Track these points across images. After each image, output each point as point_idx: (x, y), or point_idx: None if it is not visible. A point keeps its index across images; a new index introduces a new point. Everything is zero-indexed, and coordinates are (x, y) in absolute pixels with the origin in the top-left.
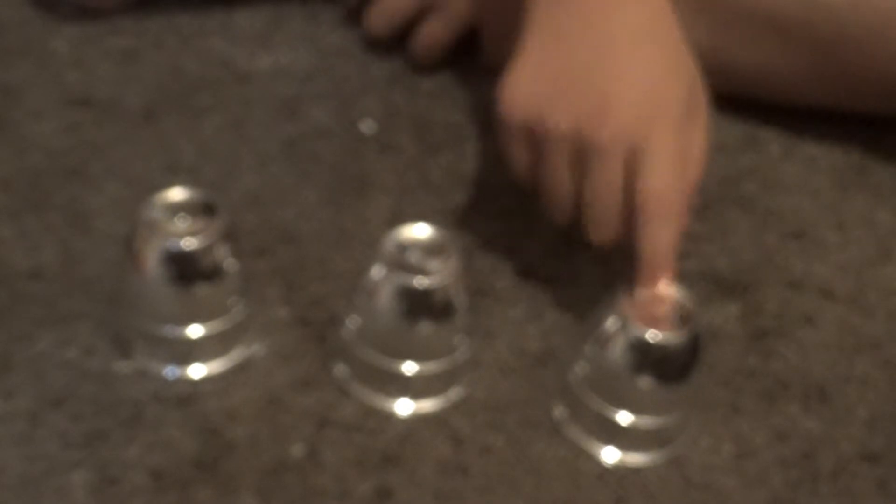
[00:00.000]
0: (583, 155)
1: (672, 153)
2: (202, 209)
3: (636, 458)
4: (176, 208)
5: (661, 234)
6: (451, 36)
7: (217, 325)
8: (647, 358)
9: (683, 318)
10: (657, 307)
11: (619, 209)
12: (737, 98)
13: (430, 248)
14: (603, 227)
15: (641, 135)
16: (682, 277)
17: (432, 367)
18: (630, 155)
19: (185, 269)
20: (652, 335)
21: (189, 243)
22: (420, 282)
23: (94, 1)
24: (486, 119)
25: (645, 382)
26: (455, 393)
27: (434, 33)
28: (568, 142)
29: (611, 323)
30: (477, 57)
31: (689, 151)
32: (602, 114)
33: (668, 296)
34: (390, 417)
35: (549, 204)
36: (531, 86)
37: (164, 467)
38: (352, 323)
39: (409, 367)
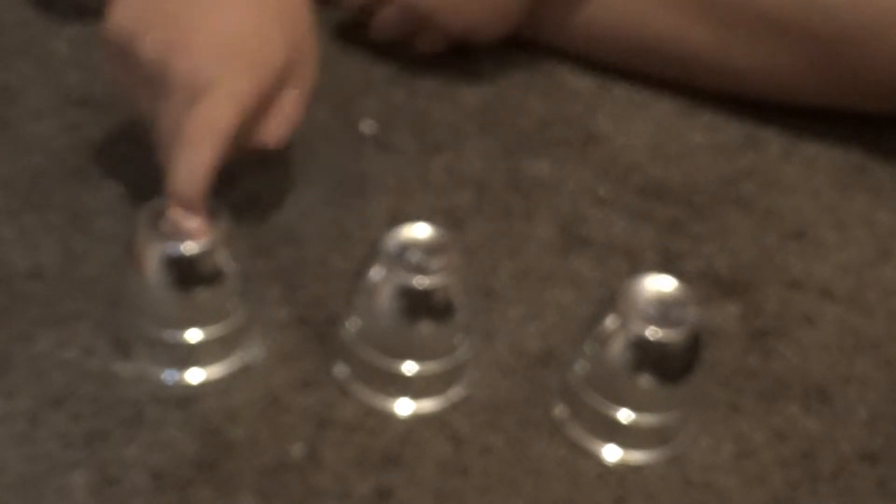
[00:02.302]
0: (162, 84)
1: (239, 85)
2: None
3: (637, 457)
4: None
5: (194, 155)
6: (441, 48)
7: (217, 329)
8: (646, 356)
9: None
10: (186, 224)
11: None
12: (737, 98)
13: (430, 248)
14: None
15: (215, 74)
16: (682, 277)
17: (432, 367)
18: (201, 95)
19: (185, 273)
20: (652, 333)
21: (189, 248)
22: (420, 282)
23: (94, 1)
24: (487, 119)
25: (645, 380)
26: (455, 393)
27: (424, 48)
28: (152, 68)
29: (610, 321)
30: (476, 56)
31: (271, 110)
32: (184, 48)
33: (194, 221)
34: (390, 417)
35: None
36: (130, 7)
37: (164, 467)
38: (352, 323)
39: (409, 367)
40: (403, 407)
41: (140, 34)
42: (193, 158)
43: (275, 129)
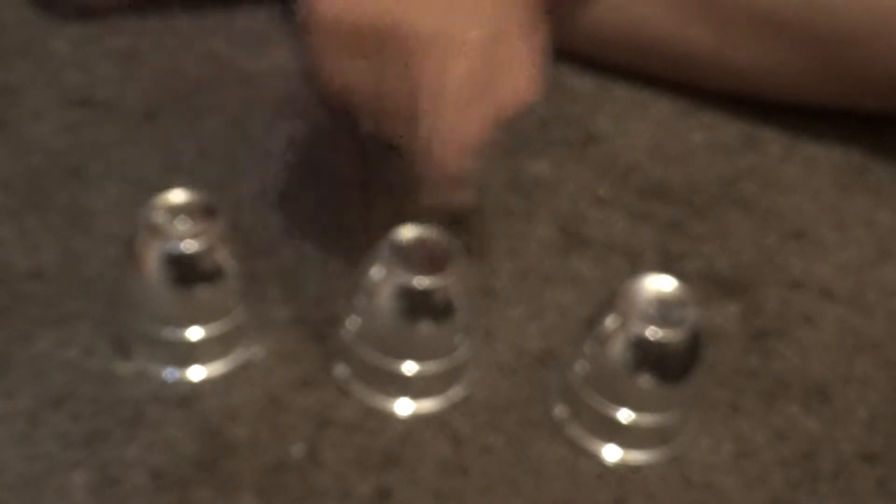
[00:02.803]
0: (391, 52)
1: (477, 57)
2: (203, 211)
3: (637, 457)
4: (176, 210)
5: (446, 122)
6: None
7: (217, 327)
8: (646, 356)
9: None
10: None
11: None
12: (737, 98)
13: (429, 249)
14: (406, 132)
15: (447, 28)
16: (682, 277)
17: (432, 367)
18: (431, 51)
19: (185, 271)
20: (652, 332)
21: (189, 246)
22: (420, 282)
23: (95, 1)
24: None
25: (645, 380)
26: (455, 393)
27: None
28: (377, 39)
29: (611, 321)
30: None
31: (500, 74)
32: (406, 9)
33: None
34: (390, 417)
35: (357, 108)
36: None
37: (164, 467)
38: (352, 323)
39: (409, 367)
40: (403, 407)
41: (356, 10)
42: (448, 120)
43: (520, 87)
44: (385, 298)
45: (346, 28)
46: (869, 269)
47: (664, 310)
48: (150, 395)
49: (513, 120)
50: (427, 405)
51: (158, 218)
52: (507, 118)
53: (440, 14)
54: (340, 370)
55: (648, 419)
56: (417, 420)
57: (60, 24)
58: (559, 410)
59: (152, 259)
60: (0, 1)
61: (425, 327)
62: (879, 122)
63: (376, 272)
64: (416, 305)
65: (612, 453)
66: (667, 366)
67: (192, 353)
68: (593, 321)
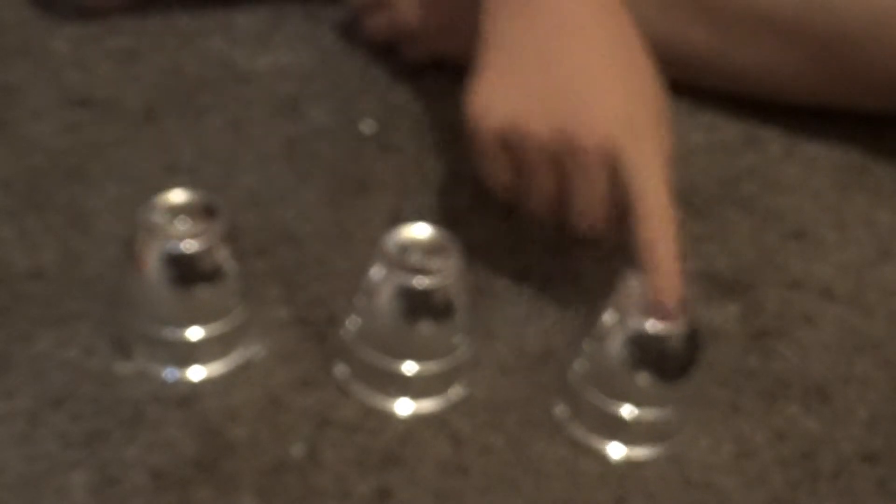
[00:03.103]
0: (565, 162)
1: (653, 159)
2: (202, 211)
3: (637, 453)
4: (176, 210)
5: (664, 244)
6: (426, 60)
7: (217, 327)
8: (645, 352)
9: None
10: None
11: (606, 209)
12: (737, 98)
13: (430, 248)
14: (591, 222)
15: (624, 139)
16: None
17: (432, 367)
18: (613, 160)
19: (185, 271)
20: (651, 326)
21: (189, 246)
22: (420, 282)
23: (94, 1)
24: None
25: (644, 376)
26: (455, 393)
27: (409, 58)
28: (549, 150)
29: (608, 317)
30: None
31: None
32: (583, 119)
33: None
34: (390, 417)
35: (534, 213)
36: (505, 97)
37: (164, 467)
38: (352, 323)
39: (409, 367)
40: (403, 407)
41: (526, 119)
42: (664, 246)
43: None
44: (385, 298)
45: (517, 137)
46: (869, 269)
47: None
48: (150, 395)
49: None
50: (427, 405)
51: (158, 218)
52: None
53: (619, 126)
54: (340, 370)
55: (648, 415)
56: (417, 420)
57: (60, 24)
58: (559, 410)
59: (152, 259)
60: (0, 1)
61: (425, 327)
62: (879, 122)
63: (376, 272)
64: (416, 305)
65: (612, 450)
66: (666, 360)
67: (192, 353)
68: (591, 318)
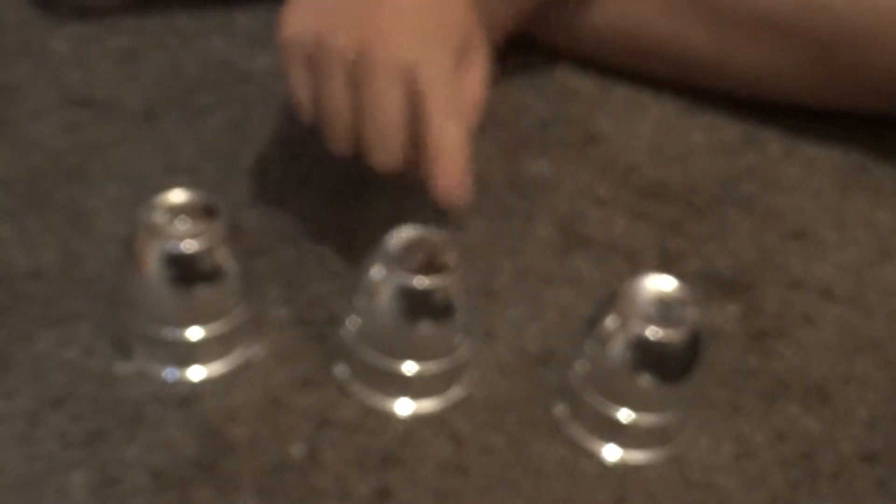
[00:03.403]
0: (362, 75)
1: (449, 79)
2: (203, 211)
3: (637, 456)
4: (176, 210)
5: (449, 129)
6: None
7: (217, 327)
8: (647, 356)
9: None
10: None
11: (400, 132)
12: (737, 98)
13: (429, 248)
14: (384, 150)
15: (420, 56)
16: (682, 277)
17: (432, 367)
18: (409, 77)
19: (185, 271)
20: (652, 332)
21: (189, 246)
22: (420, 282)
23: (94, 1)
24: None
25: (645, 380)
26: (455, 393)
27: None
28: (348, 60)
29: (611, 321)
30: None
31: (464, 91)
32: (381, 33)
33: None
34: (390, 417)
35: (331, 130)
36: (312, 14)
37: (164, 467)
38: (352, 323)
39: (409, 367)
40: (403, 407)
41: (330, 31)
42: (450, 131)
43: (470, 101)
44: (385, 298)
45: (319, 48)
46: (869, 269)
47: (664, 310)
48: (150, 395)
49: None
50: (427, 405)
51: (158, 218)
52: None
53: (414, 41)
54: (340, 370)
55: (648, 419)
56: (417, 420)
57: (60, 24)
58: (559, 410)
59: (152, 259)
60: (0, 1)
61: (425, 327)
62: (879, 122)
63: (376, 272)
64: (416, 305)
65: (612, 453)
66: (667, 366)
67: (192, 353)
68: (593, 321)
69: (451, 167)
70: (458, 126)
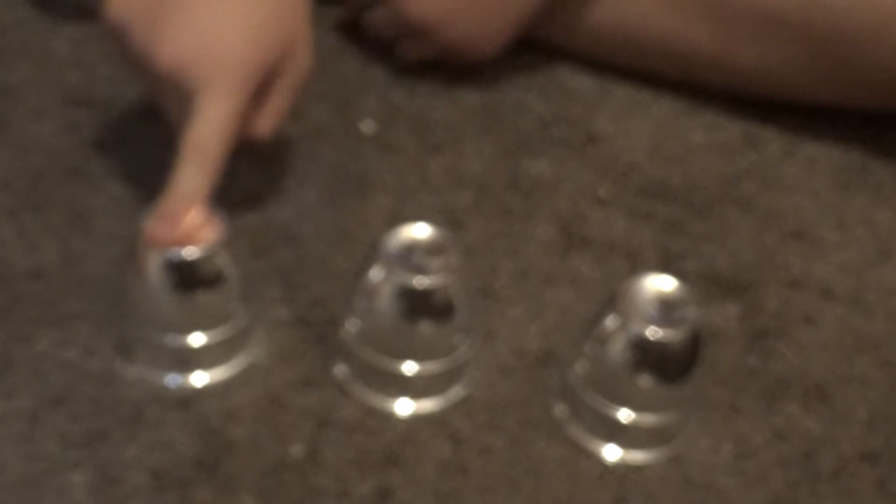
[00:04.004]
0: (151, 76)
1: (227, 102)
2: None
3: (637, 456)
4: None
5: (189, 177)
6: (426, 57)
7: (219, 332)
8: (647, 356)
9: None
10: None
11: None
12: (737, 97)
13: (430, 248)
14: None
15: (197, 74)
16: (682, 277)
17: (432, 367)
18: (184, 84)
19: (186, 277)
20: (652, 332)
21: (190, 252)
22: (420, 282)
23: (95, 1)
24: (487, 119)
25: (645, 380)
26: (455, 393)
27: (410, 54)
28: (140, 61)
29: (611, 321)
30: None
31: (261, 105)
32: (166, 44)
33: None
34: (390, 417)
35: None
36: (125, 2)
37: (164, 467)
38: (352, 323)
39: (409, 367)
40: (403, 407)
41: (129, 26)
42: (188, 179)
43: (264, 123)
44: (385, 298)
45: (121, 40)
46: (869, 269)
47: (664, 310)
48: (150, 395)
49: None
50: (427, 405)
51: None
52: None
53: (203, 59)
54: (340, 370)
55: (648, 419)
56: (417, 420)
57: (60, 24)
58: (559, 410)
59: (153, 265)
60: (0, 1)
61: (425, 327)
62: (879, 122)
63: (376, 272)
64: (416, 305)
65: (612, 453)
66: (667, 366)
67: (195, 359)
68: (593, 321)
69: (172, 213)
70: (201, 176)
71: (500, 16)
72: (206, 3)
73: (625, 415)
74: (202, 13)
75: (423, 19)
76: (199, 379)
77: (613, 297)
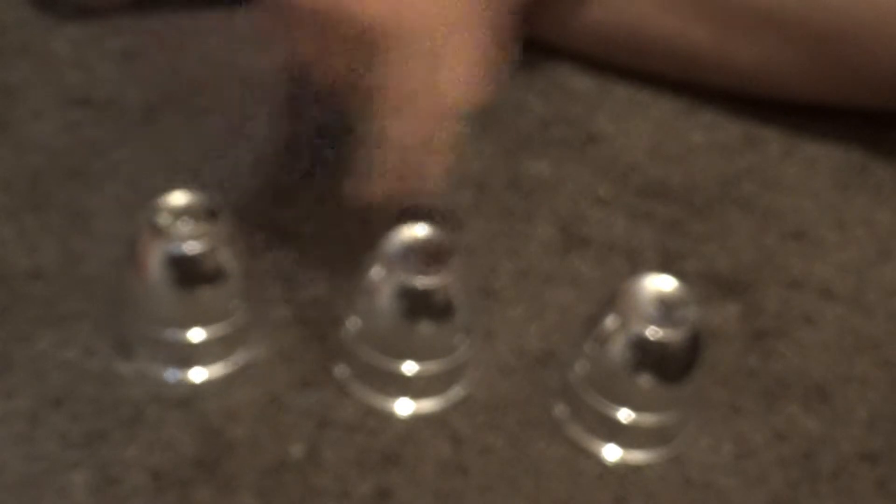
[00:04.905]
0: (386, 46)
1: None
2: (205, 213)
3: (637, 456)
4: (179, 212)
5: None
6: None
7: (219, 328)
8: (647, 356)
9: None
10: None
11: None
12: (737, 97)
13: (430, 248)
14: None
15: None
16: (682, 277)
17: (432, 367)
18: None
19: (187, 273)
20: (652, 332)
21: (191, 247)
22: (420, 282)
23: (94, 1)
24: (487, 119)
25: (645, 380)
26: (455, 393)
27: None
28: (370, 32)
29: (611, 321)
30: None
31: (441, 73)
32: (410, 6)
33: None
34: (390, 417)
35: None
36: None
37: (164, 467)
38: (352, 323)
39: (409, 367)
40: (403, 407)
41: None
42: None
43: (464, 85)
44: (385, 298)
45: (338, 14)
46: (869, 269)
47: (664, 310)
48: (150, 395)
49: (460, 118)
50: (427, 405)
51: (161, 219)
52: (453, 117)
53: (443, 19)
54: (340, 370)
55: (648, 419)
56: (417, 420)
57: (60, 24)
58: (559, 410)
59: (155, 261)
60: (0, 1)
61: (425, 327)
62: (879, 122)
63: (376, 272)
64: (416, 305)
65: (611, 453)
66: (667, 366)
67: (194, 355)
68: (593, 321)
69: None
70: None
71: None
72: None
73: (625, 415)
74: None
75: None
76: (199, 375)
77: (613, 297)
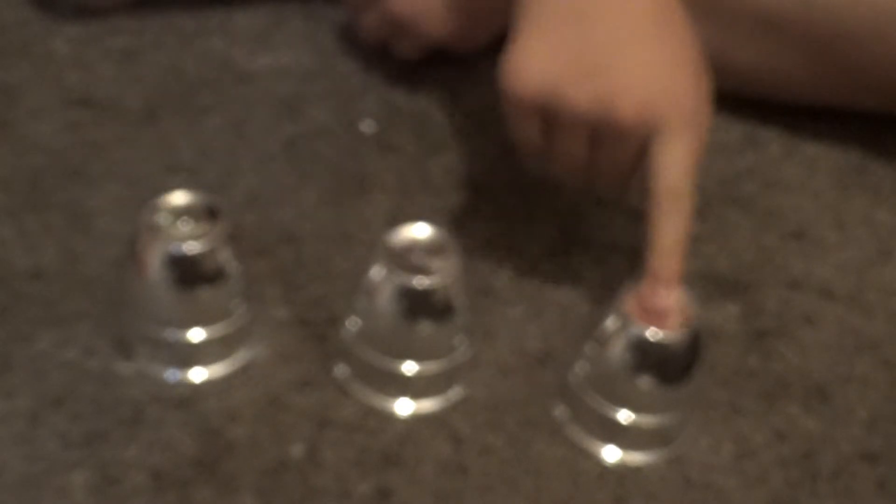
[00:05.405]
0: (600, 130)
1: (687, 141)
2: (205, 213)
3: (636, 457)
4: (179, 212)
5: (673, 226)
6: (420, 54)
7: (219, 328)
8: (647, 357)
9: (684, 321)
10: (660, 305)
11: (633, 173)
12: (737, 97)
13: (430, 248)
14: (615, 188)
15: (661, 116)
16: (682, 277)
17: (432, 367)
18: (649, 130)
19: (187, 272)
20: (652, 333)
21: (191, 247)
22: (420, 282)
23: (94, 1)
24: (487, 119)
25: (645, 381)
26: (455, 393)
27: (403, 54)
28: (586, 118)
29: (611, 322)
30: (474, 58)
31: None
32: (622, 87)
33: (671, 298)
34: (390, 417)
35: (562, 175)
36: (541, 61)
37: (164, 467)
38: (352, 323)
39: (409, 367)
40: (403, 407)
41: (565, 87)
42: (672, 228)
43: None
44: (385, 298)
45: (554, 103)
46: (869, 269)
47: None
48: (151, 395)
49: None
50: (427, 405)
51: (161, 219)
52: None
53: (661, 103)
54: (340, 370)
55: (648, 420)
56: (417, 420)
57: (60, 24)
58: (559, 410)
59: (155, 260)
60: (0, 1)
61: (425, 327)
62: (879, 122)
63: (376, 272)
64: (416, 305)
65: (611, 454)
66: (667, 367)
67: (194, 355)
68: (593, 321)
69: (664, 266)
70: (683, 222)
71: (483, 5)
72: (641, 45)
73: (625, 416)
74: (642, 55)
75: (408, 19)
76: (199, 375)
77: (612, 296)
